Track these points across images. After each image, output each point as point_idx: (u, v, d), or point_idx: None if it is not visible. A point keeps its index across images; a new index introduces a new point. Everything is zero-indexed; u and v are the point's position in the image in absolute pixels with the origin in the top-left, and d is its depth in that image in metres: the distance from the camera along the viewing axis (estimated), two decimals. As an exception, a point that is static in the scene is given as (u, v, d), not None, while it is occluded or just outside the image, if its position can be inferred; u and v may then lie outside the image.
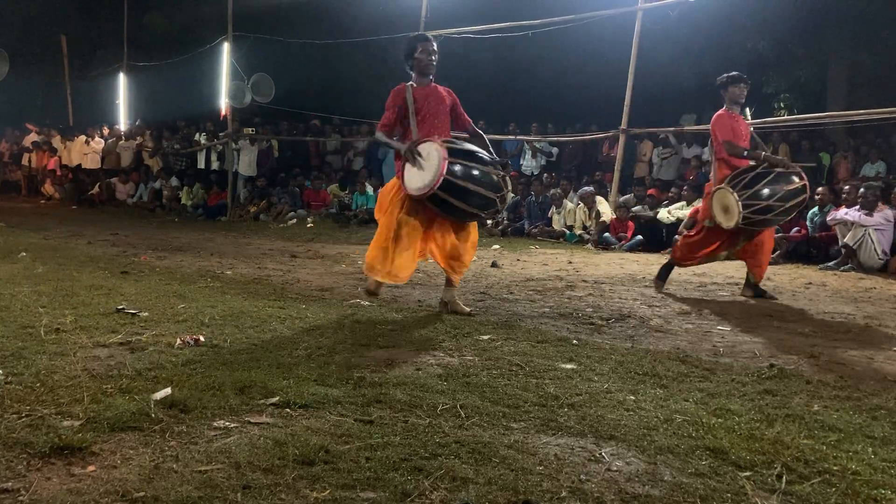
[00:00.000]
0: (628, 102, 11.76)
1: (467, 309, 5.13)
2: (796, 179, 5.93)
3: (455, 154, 4.73)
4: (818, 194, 9.65)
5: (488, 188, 4.78)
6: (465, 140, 5.12)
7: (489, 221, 12.48)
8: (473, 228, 5.20)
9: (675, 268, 6.61)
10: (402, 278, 4.91)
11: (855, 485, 2.32)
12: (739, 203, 5.77)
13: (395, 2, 14.93)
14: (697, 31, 13.87)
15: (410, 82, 5.13)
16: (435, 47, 5.12)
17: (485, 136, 5.30)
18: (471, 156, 4.84)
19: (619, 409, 3.00)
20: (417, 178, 4.73)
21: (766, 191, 5.81)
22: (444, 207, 4.79)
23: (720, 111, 6.23)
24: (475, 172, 4.75)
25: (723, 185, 5.95)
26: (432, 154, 4.69)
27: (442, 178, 4.58)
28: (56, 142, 18.88)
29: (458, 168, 4.68)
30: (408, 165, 4.79)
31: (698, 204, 10.24)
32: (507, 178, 4.97)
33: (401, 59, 5.20)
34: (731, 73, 6.28)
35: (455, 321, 4.73)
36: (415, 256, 4.90)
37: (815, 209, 9.54)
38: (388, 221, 4.89)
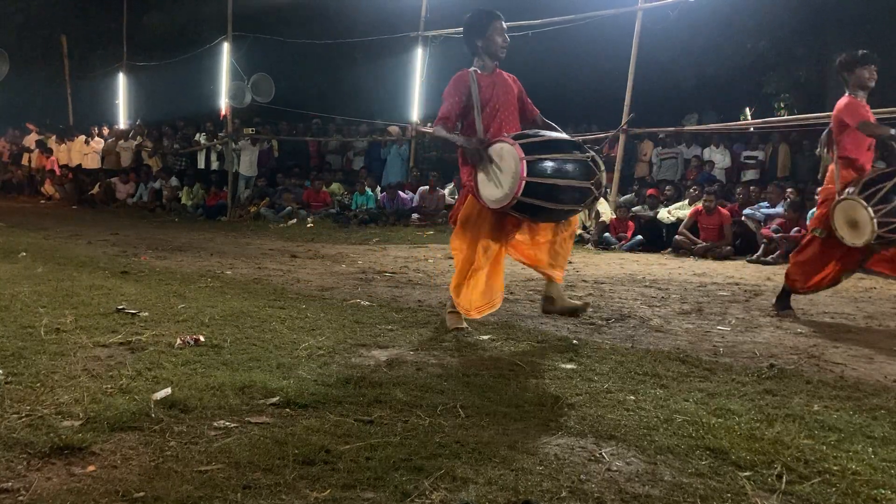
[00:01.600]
0: (628, 102, 11.76)
1: (577, 302, 4.64)
2: None
3: (532, 149, 3.98)
4: (817, 194, 9.65)
5: (579, 177, 4.03)
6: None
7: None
8: (574, 217, 4.56)
9: (792, 294, 5.42)
10: (479, 310, 4.34)
11: (855, 485, 2.32)
12: (875, 220, 4.75)
13: (394, 2, 14.93)
14: (697, 31, 13.88)
15: (474, 68, 4.36)
16: (506, 27, 4.36)
17: (554, 125, 4.54)
18: (550, 146, 4.07)
19: (619, 409, 3.00)
20: (495, 188, 4.05)
21: None
22: (534, 213, 4.11)
23: (845, 98, 5.16)
24: (560, 164, 4.01)
25: (854, 195, 4.93)
26: (505, 155, 4.00)
27: (524, 182, 3.89)
28: (52, 142, 18.89)
29: (539, 165, 3.95)
30: (481, 175, 4.13)
31: (699, 204, 10.28)
32: (596, 157, 4.17)
33: (468, 36, 4.41)
34: (859, 52, 5.15)
35: (455, 321, 4.71)
36: (493, 280, 4.35)
37: (815, 209, 9.55)
38: (468, 253, 4.28)
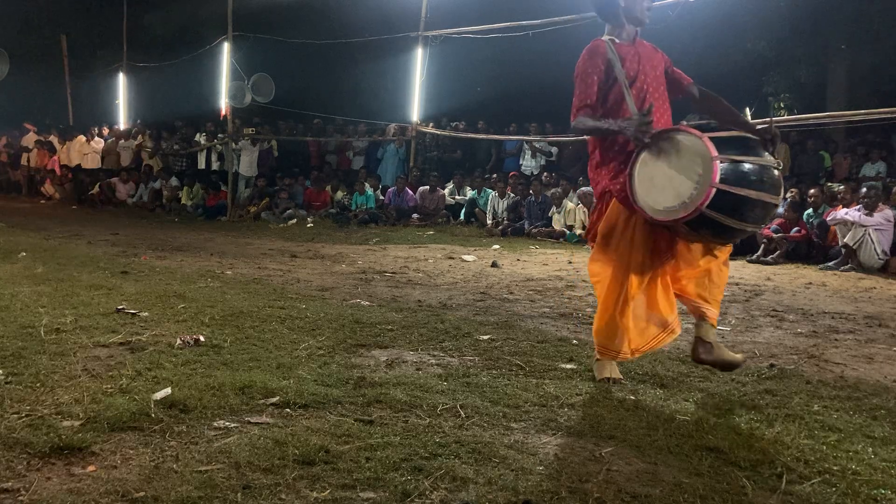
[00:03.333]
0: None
1: (739, 356, 3.51)
2: None
3: (724, 146, 2.98)
4: (811, 196, 9.69)
5: (771, 190, 3.03)
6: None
7: (489, 222, 12.50)
8: None
9: None
10: (643, 347, 3.43)
11: (855, 485, 2.32)
12: None
13: (394, 2, 14.93)
14: (697, 31, 13.86)
15: (609, 36, 3.40)
16: None
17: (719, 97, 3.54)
18: (740, 144, 3.08)
19: (619, 409, 3.00)
20: (664, 192, 3.04)
21: None
22: (707, 229, 3.07)
23: None
24: (755, 171, 3.01)
25: None
26: (686, 150, 3.01)
27: (713, 190, 2.90)
28: (55, 141, 18.90)
29: (731, 169, 2.95)
30: (641, 175, 3.12)
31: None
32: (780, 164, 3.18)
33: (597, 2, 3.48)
34: None
35: (455, 321, 4.71)
36: (654, 307, 3.39)
37: (810, 210, 9.59)
38: (613, 281, 3.31)
